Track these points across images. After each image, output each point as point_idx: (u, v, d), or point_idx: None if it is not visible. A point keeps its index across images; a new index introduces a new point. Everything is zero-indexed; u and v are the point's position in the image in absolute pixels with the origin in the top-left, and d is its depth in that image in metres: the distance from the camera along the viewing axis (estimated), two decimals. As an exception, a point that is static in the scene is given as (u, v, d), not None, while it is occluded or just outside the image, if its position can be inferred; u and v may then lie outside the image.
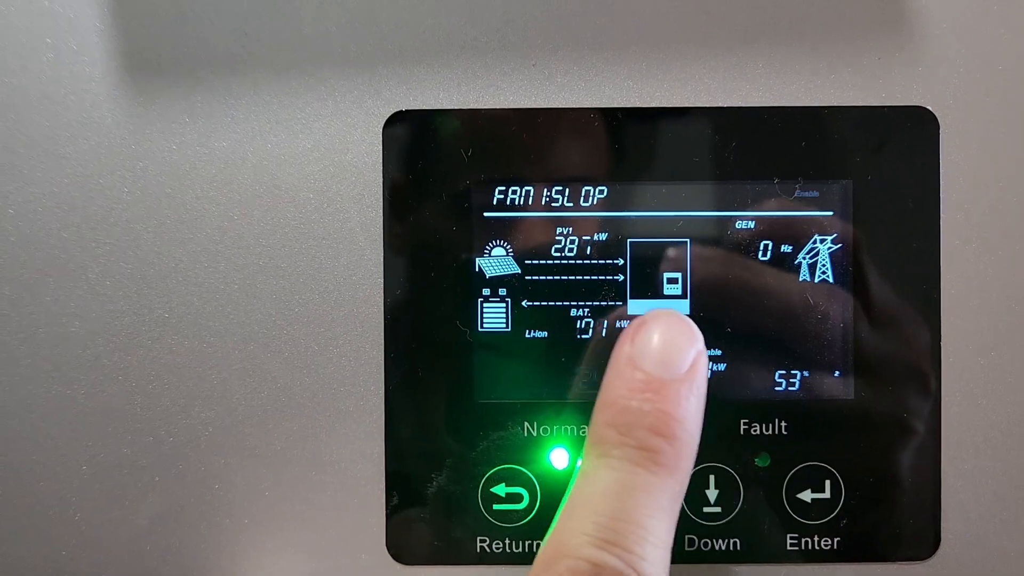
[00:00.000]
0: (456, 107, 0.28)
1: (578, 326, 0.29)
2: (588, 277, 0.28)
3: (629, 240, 0.28)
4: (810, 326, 0.28)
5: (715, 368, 0.28)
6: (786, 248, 0.28)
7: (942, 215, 0.28)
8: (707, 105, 0.28)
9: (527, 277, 0.28)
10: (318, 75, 0.28)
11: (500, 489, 0.28)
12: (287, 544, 0.28)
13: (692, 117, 0.28)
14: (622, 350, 0.24)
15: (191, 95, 0.28)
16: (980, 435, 0.28)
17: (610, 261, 0.28)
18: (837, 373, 0.28)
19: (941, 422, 0.28)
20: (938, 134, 0.28)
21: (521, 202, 0.28)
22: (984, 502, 0.28)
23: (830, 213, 0.28)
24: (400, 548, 0.28)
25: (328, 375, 0.28)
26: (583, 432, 0.28)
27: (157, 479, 0.28)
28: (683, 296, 0.28)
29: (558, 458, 0.28)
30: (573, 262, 0.28)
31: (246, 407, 0.28)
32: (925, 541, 0.28)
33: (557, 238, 0.28)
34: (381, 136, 0.28)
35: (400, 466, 0.28)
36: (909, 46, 0.28)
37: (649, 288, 0.28)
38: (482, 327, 0.28)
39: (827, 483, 0.28)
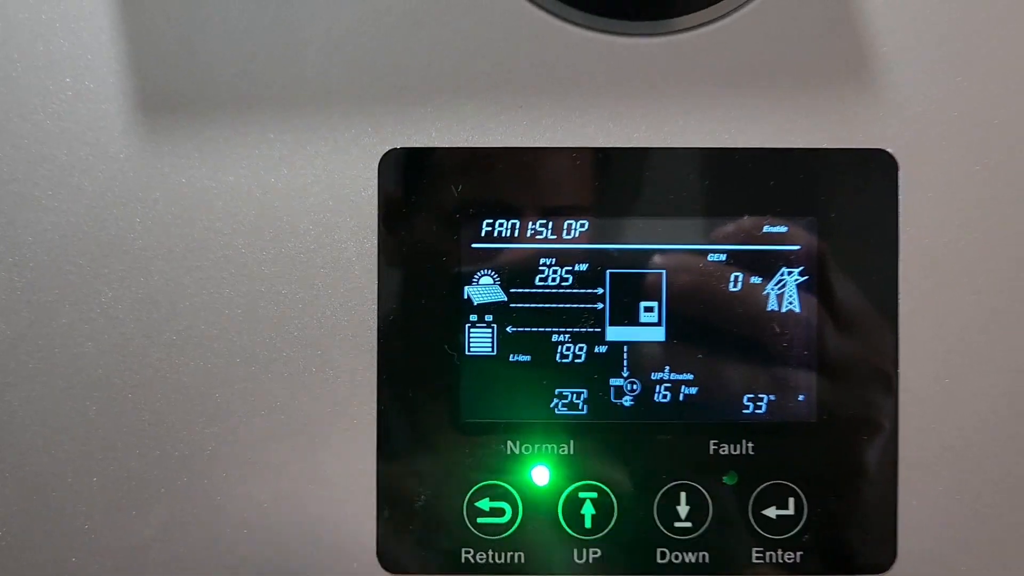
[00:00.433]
0: (447, 145, 0.30)
1: (560, 351, 0.30)
2: (570, 305, 0.30)
3: (608, 271, 0.30)
4: (777, 353, 0.30)
5: (687, 391, 0.30)
6: (755, 280, 0.30)
7: (900, 250, 0.30)
8: (682, 146, 0.30)
9: (512, 304, 0.30)
10: (318, 114, 0.30)
11: (484, 503, 0.30)
12: (284, 554, 0.30)
13: (668, 157, 0.30)
14: None
15: (200, 132, 0.30)
16: (934, 456, 0.30)
17: (590, 290, 0.30)
18: (801, 397, 0.30)
19: (898, 443, 0.30)
20: (897, 175, 0.30)
21: (507, 234, 0.30)
22: (938, 518, 0.30)
23: (797, 248, 0.30)
24: (390, 558, 0.30)
25: (324, 395, 0.30)
26: (562, 451, 0.30)
27: (163, 491, 0.30)
28: (659, 324, 0.30)
29: (539, 475, 0.30)
30: (556, 291, 0.30)
31: (247, 424, 0.30)
32: (883, 554, 0.30)
33: (541, 268, 0.30)
34: (376, 172, 0.30)
35: (391, 481, 0.30)
36: (871, 94, 0.30)
37: (627, 316, 0.30)
38: (469, 351, 0.30)
39: (791, 500, 0.30)
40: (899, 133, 0.30)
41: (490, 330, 0.30)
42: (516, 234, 0.30)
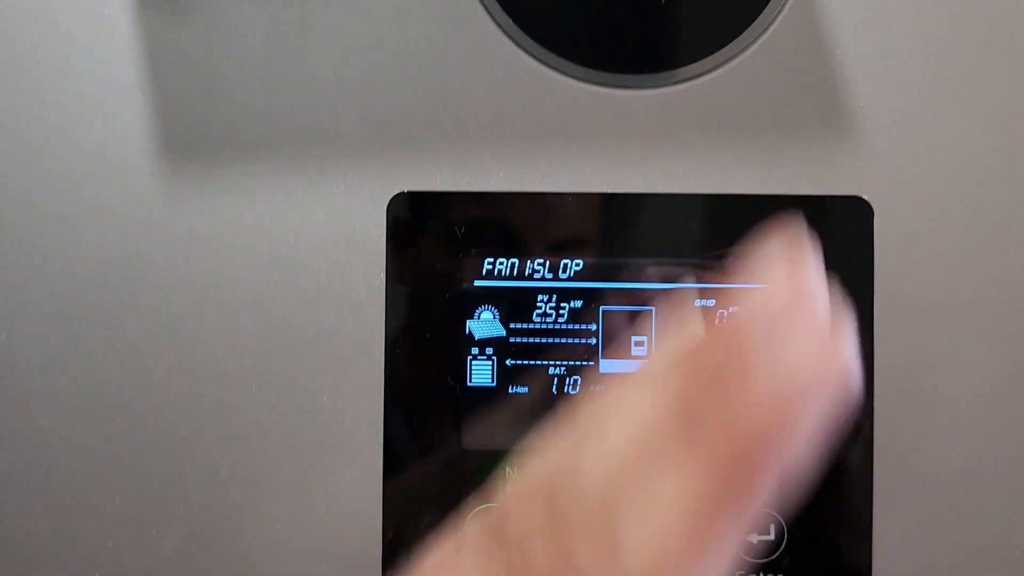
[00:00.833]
0: (451, 190, 0.32)
1: (555, 382, 0.32)
2: (565, 340, 0.32)
3: (601, 307, 0.32)
4: (759, 386, 0.32)
5: (675, 422, 0.32)
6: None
7: (875, 289, 0.32)
8: (670, 192, 0.32)
9: (511, 339, 0.32)
10: (331, 160, 0.32)
11: (483, 526, 0.32)
12: (295, 570, 0.32)
13: (658, 202, 0.32)
14: None
15: (221, 174, 0.32)
16: (907, 487, 0.32)
17: (584, 326, 0.32)
18: (781, 429, 0.32)
19: (873, 475, 0.32)
20: (872, 220, 0.32)
21: (507, 272, 0.32)
22: (910, 545, 0.32)
23: (778, 287, 0.32)
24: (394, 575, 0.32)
25: (334, 422, 0.32)
26: (557, 476, 0.32)
27: (181, 510, 0.32)
28: (648, 357, 0.32)
29: (535, 499, 0.32)
30: (552, 326, 0.32)
31: (261, 448, 0.32)
32: (858, 579, 0.32)
33: (538, 305, 0.32)
34: (385, 213, 0.32)
35: (396, 503, 0.32)
36: (848, 145, 0.32)
37: (619, 350, 0.32)
38: (471, 382, 0.32)
39: (771, 527, 0.32)
40: (874, 181, 0.32)
41: (490, 363, 0.32)
42: (515, 273, 0.32)
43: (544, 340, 0.32)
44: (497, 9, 0.32)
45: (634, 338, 0.32)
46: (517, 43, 0.32)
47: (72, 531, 0.32)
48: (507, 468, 0.32)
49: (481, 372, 0.32)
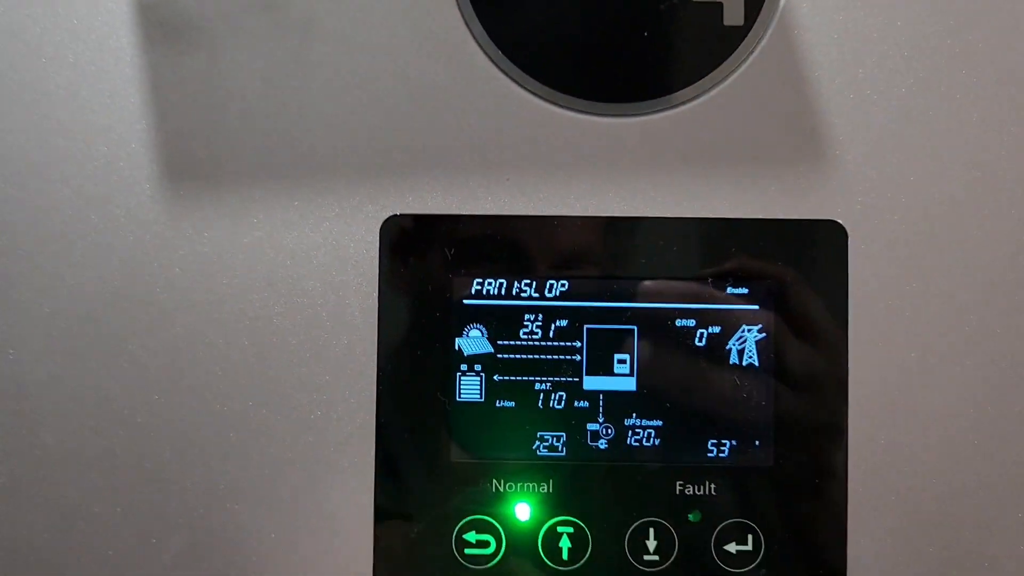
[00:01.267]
0: (442, 212, 0.34)
1: (541, 398, 0.34)
2: (550, 357, 0.34)
3: (586, 326, 0.34)
4: (737, 403, 0.33)
5: (656, 436, 0.33)
6: (718, 336, 0.33)
7: (850, 311, 0.33)
8: (652, 215, 0.33)
9: (499, 355, 0.34)
10: (326, 184, 0.34)
11: (471, 536, 0.33)
12: (289, 579, 0.33)
13: (640, 225, 0.34)
14: None
15: (220, 198, 0.34)
16: (880, 497, 0.33)
17: (569, 343, 0.34)
18: (758, 443, 0.33)
19: (847, 486, 0.33)
20: (847, 243, 0.33)
21: (495, 292, 0.34)
22: (883, 553, 0.33)
23: (756, 308, 0.33)
24: (385, 585, 0.33)
25: (328, 436, 0.33)
26: (543, 489, 0.33)
27: (180, 522, 0.33)
28: (630, 374, 0.33)
29: (521, 511, 0.33)
30: (538, 343, 0.34)
31: (258, 462, 0.33)
32: (833, 589, 0.33)
33: (525, 323, 0.34)
34: (378, 235, 0.34)
35: (387, 515, 0.33)
36: (823, 170, 0.33)
37: (602, 367, 0.34)
38: (459, 397, 0.34)
39: (749, 537, 0.33)
40: (849, 206, 0.33)
41: (478, 378, 0.34)
42: (503, 292, 0.34)
43: (530, 357, 0.34)
44: (486, 40, 0.34)
45: (616, 356, 0.33)
46: (506, 73, 0.34)
47: (74, 542, 0.33)
48: (494, 481, 0.33)
49: (470, 388, 0.34)
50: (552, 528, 0.33)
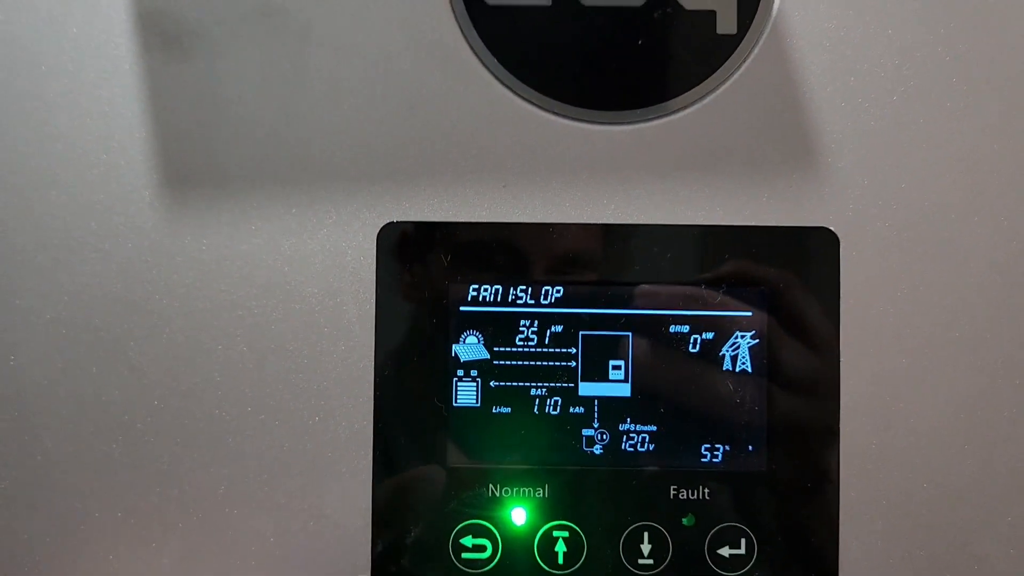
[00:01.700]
0: (438, 219, 0.34)
1: (537, 403, 0.34)
2: (546, 363, 0.34)
3: (581, 332, 0.34)
4: (731, 408, 0.34)
5: (650, 441, 0.34)
6: (712, 342, 0.34)
7: (842, 317, 0.34)
8: (646, 222, 0.34)
9: (495, 362, 0.34)
10: (323, 191, 0.34)
11: (468, 540, 0.34)
12: (288, 583, 0.34)
13: (634, 231, 0.34)
14: None
15: (218, 205, 0.34)
16: (872, 502, 0.33)
17: (564, 349, 0.34)
18: (752, 448, 0.34)
19: (839, 490, 0.33)
20: (838, 250, 0.34)
21: (491, 299, 0.34)
22: (875, 556, 0.33)
23: (749, 314, 0.34)
24: (383, 589, 0.34)
25: (326, 441, 0.34)
26: (538, 494, 0.34)
27: (180, 526, 0.34)
28: (625, 380, 0.34)
29: (517, 515, 0.34)
30: (534, 349, 0.34)
31: (256, 466, 0.34)
32: (825, 592, 0.34)
33: (521, 329, 0.34)
34: (375, 242, 0.34)
35: (384, 519, 0.34)
36: (815, 178, 0.34)
37: (597, 373, 0.34)
38: (456, 403, 0.34)
39: (743, 541, 0.34)
40: (841, 213, 0.34)
41: (475, 384, 0.34)
42: (499, 299, 0.34)
43: (526, 363, 0.34)
44: (482, 49, 0.34)
45: (611, 362, 0.34)
46: (501, 81, 0.34)
47: (74, 545, 0.34)
48: (491, 485, 0.34)
49: (466, 393, 0.34)
50: (548, 532, 0.34)
